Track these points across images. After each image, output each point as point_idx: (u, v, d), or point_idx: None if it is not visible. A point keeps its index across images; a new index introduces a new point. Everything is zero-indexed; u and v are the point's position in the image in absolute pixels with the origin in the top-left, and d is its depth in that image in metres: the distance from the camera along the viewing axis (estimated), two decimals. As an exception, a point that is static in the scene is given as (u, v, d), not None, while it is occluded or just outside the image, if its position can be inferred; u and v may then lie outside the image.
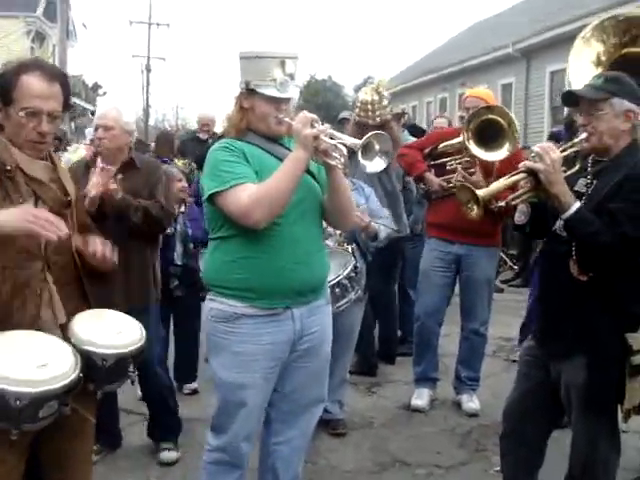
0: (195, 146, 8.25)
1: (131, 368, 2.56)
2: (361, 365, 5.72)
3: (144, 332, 2.61)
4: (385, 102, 5.06)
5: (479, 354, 5.21)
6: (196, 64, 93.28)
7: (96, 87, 31.37)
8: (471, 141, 4.69)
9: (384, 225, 4.52)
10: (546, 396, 3.12)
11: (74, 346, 2.39)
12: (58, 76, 2.49)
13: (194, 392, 5.30)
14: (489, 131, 4.70)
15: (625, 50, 4.08)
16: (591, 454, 3.02)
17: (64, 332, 2.46)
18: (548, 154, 2.86)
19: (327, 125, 2.91)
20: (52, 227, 2.24)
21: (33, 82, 2.41)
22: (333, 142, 2.79)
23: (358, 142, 2.78)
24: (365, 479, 4.09)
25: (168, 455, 4.21)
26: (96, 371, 2.43)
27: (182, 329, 5.25)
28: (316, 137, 2.73)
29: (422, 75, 25.32)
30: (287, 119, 2.92)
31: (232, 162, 2.80)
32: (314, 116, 2.82)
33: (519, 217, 3.14)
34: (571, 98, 3.03)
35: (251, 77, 2.85)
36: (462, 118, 5.73)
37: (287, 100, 2.89)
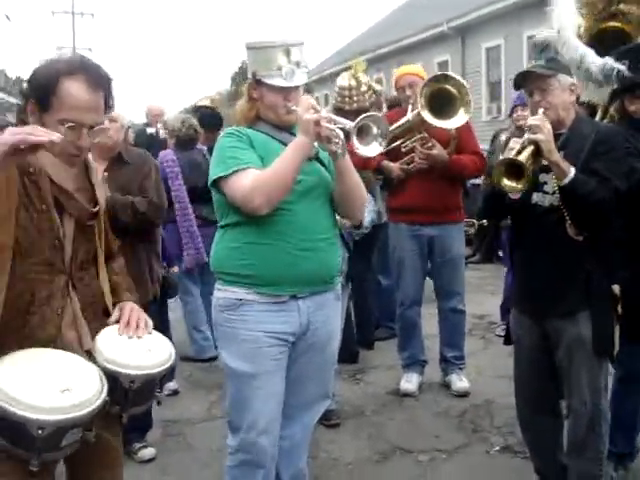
0: (148, 142, 8.00)
1: (158, 388, 2.40)
2: (342, 352, 5.60)
3: (173, 350, 2.42)
4: (364, 88, 4.93)
5: (461, 332, 5.22)
6: (124, 54, 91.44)
7: (19, 81, 30.50)
8: (427, 113, 4.61)
9: (367, 211, 4.40)
10: (550, 363, 3.24)
11: (98, 366, 2.19)
12: (104, 83, 2.21)
13: (175, 393, 5.14)
14: (440, 101, 4.64)
15: (604, 24, 4.06)
16: (597, 407, 3.14)
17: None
18: (545, 125, 2.98)
19: (327, 109, 2.86)
20: (39, 131, 1.93)
21: (77, 90, 2.12)
22: (333, 127, 2.72)
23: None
24: (370, 469, 4.01)
25: (146, 452, 4.15)
26: (122, 393, 2.24)
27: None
28: (317, 123, 2.68)
29: (356, 56, 25.22)
30: (296, 107, 2.87)
31: (237, 148, 2.79)
32: (313, 101, 2.81)
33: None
34: (522, 78, 3.17)
35: (257, 67, 2.85)
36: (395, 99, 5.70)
37: (295, 88, 2.86)
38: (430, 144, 4.74)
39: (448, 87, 4.62)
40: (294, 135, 2.82)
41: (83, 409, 2.02)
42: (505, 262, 6.79)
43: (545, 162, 3.02)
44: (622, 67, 3.56)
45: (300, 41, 2.90)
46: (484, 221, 6.25)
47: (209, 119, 6.30)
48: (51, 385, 2.02)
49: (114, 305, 2.41)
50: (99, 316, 2.36)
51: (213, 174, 2.80)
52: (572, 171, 2.97)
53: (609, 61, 3.65)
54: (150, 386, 2.33)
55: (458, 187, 5.07)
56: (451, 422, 4.59)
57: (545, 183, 3.13)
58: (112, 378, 2.19)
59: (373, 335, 6.14)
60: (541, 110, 3.09)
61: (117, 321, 2.37)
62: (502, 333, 6.27)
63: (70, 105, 2.12)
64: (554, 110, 3.10)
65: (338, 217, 3.09)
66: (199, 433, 4.50)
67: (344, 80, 4.96)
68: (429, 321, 5.50)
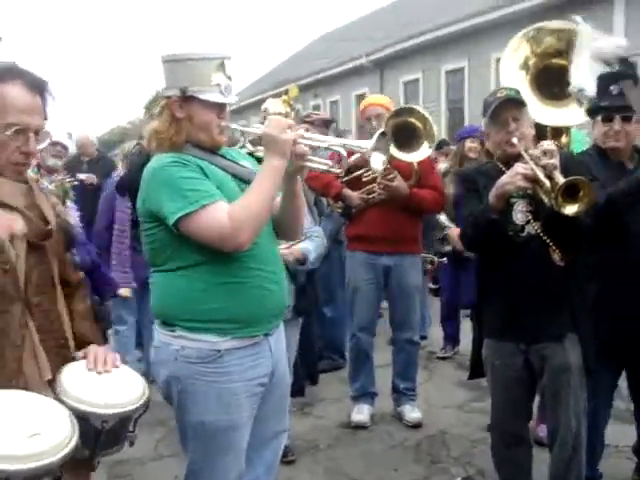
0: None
1: (131, 427, 2.21)
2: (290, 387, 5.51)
3: (146, 385, 2.26)
4: (292, 115, 4.90)
5: (415, 363, 5.21)
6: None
7: None
8: (391, 145, 4.62)
9: (315, 245, 4.11)
10: (529, 392, 3.33)
11: (66, 406, 2.00)
12: (39, 85, 2.13)
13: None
14: (404, 133, 4.69)
15: (553, 60, 4.17)
16: (580, 432, 3.20)
17: (53, 389, 2.09)
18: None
19: (303, 126, 2.78)
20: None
21: (18, 93, 2.05)
22: (316, 144, 2.64)
23: (339, 141, 2.72)
24: (334, 506, 3.91)
25: None
26: (93, 435, 2.05)
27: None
28: (294, 142, 2.54)
29: (275, 87, 25.28)
30: (235, 125, 2.78)
31: (194, 179, 2.48)
32: (290, 121, 2.63)
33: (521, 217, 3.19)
34: (502, 104, 3.18)
35: (189, 82, 2.55)
36: (362, 127, 5.69)
37: (226, 106, 2.65)
38: (392, 175, 4.73)
39: (413, 120, 4.65)
40: (226, 158, 2.67)
41: (52, 456, 1.81)
42: (443, 293, 6.81)
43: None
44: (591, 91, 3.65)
45: (230, 55, 2.66)
46: (444, 259, 6.29)
47: None
48: (18, 430, 1.83)
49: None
50: (59, 344, 2.20)
51: (173, 211, 2.43)
52: None
53: (583, 84, 3.74)
54: (123, 426, 2.17)
55: (416, 219, 5.08)
56: (408, 454, 4.53)
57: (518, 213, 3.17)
58: (82, 419, 2.00)
59: (317, 368, 6.02)
60: (515, 139, 3.12)
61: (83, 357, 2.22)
62: (443, 354, 6.57)
63: (13, 108, 2.04)
64: (526, 140, 3.15)
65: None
66: (148, 474, 4.30)
67: (277, 106, 4.92)
68: (378, 352, 5.42)
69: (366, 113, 5.04)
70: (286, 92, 4.78)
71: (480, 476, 4.17)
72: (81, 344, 2.29)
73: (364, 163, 4.78)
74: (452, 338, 6.66)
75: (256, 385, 2.62)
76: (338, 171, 2.76)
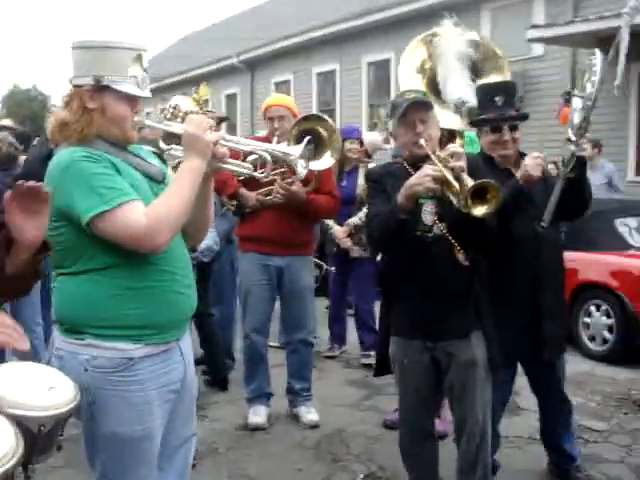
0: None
1: (61, 431, 2.09)
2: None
3: (76, 385, 2.16)
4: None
5: (309, 364, 5.23)
6: None
7: None
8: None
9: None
10: (437, 388, 3.41)
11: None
12: None
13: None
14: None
15: None
16: (486, 424, 3.32)
17: None
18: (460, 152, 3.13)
19: (222, 129, 2.73)
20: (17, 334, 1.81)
21: None
22: (239, 147, 2.62)
23: (263, 145, 2.69)
24: (241, 509, 3.87)
25: None
26: (30, 441, 1.91)
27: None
28: (216, 143, 2.48)
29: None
30: (152, 123, 2.70)
31: (107, 175, 2.34)
32: (211, 121, 2.55)
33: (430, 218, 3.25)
34: (410, 106, 3.21)
35: (104, 72, 2.40)
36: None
37: (141, 100, 2.52)
38: (290, 180, 4.71)
39: (319, 129, 4.64)
40: (136, 155, 2.55)
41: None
42: (333, 295, 6.87)
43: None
44: (473, 103, 3.79)
45: (147, 46, 2.54)
46: (332, 268, 6.36)
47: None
48: None
49: None
50: None
51: (86, 210, 2.28)
52: None
53: (464, 96, 3.87)
54: (57, 429, 2.06)
55: (310, 223, 5.11)
56: (308, 453, 4.55)
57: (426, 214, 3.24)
58: (18, 425, 1.86)
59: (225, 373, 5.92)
60: (422, 140, 3.17)
61: None
62: (330, 353, 6.66)
63: None
64: (432, 143, 3.22)
65: None
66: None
67: (189, 104, 4.83)
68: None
69: (268, 113, 4.96)
70: (196, 91, 4.69)
71: (382, 472, 4.25)
72: None
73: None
74: (339, 337, 6.74)
75: (169, 392, 2.52)
76: (261, 175, 2.72)
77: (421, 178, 3.05)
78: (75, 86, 2.45)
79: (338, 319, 6.76)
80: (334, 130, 4.87)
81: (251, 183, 4.80)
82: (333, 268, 6.39)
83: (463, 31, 4.17)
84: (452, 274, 3.21)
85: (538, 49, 11.65)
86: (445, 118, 3.95)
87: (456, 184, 3.00)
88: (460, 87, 3.99)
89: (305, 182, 4.75)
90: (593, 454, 4.40)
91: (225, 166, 2.60)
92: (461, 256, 3.21)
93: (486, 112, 3.72)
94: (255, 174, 2.72)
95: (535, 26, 10.60)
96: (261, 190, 4.84)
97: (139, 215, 2.31)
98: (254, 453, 4.54)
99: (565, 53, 11.23)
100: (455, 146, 3.21)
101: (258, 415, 4.97)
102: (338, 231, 6.38)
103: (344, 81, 16.60)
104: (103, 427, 2.42)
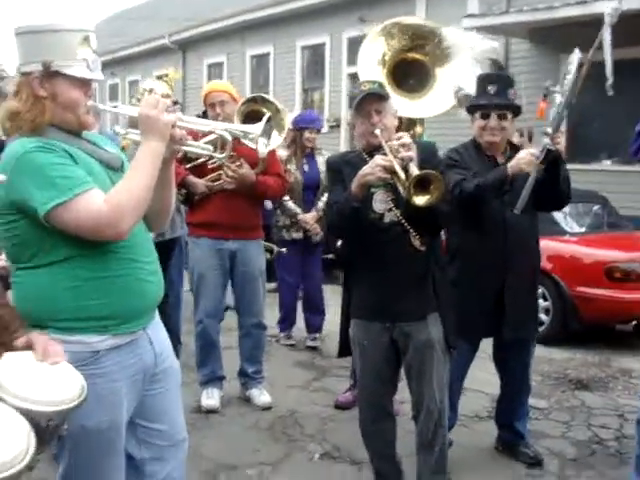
0: None
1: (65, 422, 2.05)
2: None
3: (83, 379, 2.12)
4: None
5: (261, 347, 5.29)
6: None
7: None
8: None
9: None
10: (395, 368, 3.53)
11: (7, 405, 1.83)
12: None
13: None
14: (254, 122, 4.75)
15: (408, 54, 4.41)
16: (443, 402, 3.43)
17: None
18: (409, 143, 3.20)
19: (177, 108, 2.69)
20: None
21: None
22: (198, 127, 2.60)
23: (222, 125, 2.69)
24: (202, 491, 3.92)
25: None
26: (38, 434, 1.86)
27: None
28: (174, 125, 2.43)
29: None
30: (105, 107, 2.65)
31: (64, 165, 2.28)
32: (167, 101, 2.48)
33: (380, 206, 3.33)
34: (364, 98, 3.31)
35: (52, 56, 2.31)
36: (204, 114, 5.70)
37: (92, 83, 2.46)
38: (239, 163, 4.75)
39: (264, 110, 4.69)
40: (90, 142, 2.49)
41: (11, 468, 1.65)
42: (285, 277, 6.91)
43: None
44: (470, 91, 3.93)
45: (94, 27, 2.47)
46: (283, 249, 6.40)
47: None
48: None
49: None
50: None
51: (44, 201, 2.21)
52: None
53: (462, 84, 4.02)
54: (63, 422, 2.04)
55: (259, 206, 5.17)
56: (264, 435, 4.63)
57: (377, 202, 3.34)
58: (27, 419, 1.85)
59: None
60: (377, 130, 3.27)
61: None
62: (287, 342, 6.67)
63: None
64: (388, 132, 3.30)
65: None
66: None
67: (163, 88, 4.81)
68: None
69: (209, 99, 4.97)
70: (166, 75, 4.67)
71: (336, 451, 4.36)
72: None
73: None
74: (290, 322, 6.82)
75: (136, 381, 2.49)
76: (221, 156, 2.73)
77: (372, 168, 3.15)
78: (23, 74, 2.36)
79: (291, 303, 6.84)
80: (278, 110, 4.94)
81: (198, 169, 4.83)
82: (284, 249, 6.44)
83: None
84: (408, 258, 3.32)
85: (450, 29, 11.88)
86: (403, 107, 4.06)
87: (403, 174, 3.10)
88: (465, 78, 4.11)
89: (252, 164, 4.83)
90: (536, 430, 4.60)
91: (184, 148, 2.57)
92: (417, 242, 3.31)
93: (478, 99, 3.90)
94: (215, 155, 2.72)
95: (470, 15, 10.82)
96: (209, 176, 4.86)
97: (99, 203, 2.26)
98: (210, 435, 4.59)
99: (498, 42, 11.49)
100: (404, 135, 3.27)
101: (212, 398, 5.01)
102: (307, 217, 6.46)
103: (278, 64, 16.58)
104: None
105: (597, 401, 5.27)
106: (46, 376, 2.02)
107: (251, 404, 5.08)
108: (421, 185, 3.03)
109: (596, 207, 7.54)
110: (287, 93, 15.97)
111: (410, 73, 4.38)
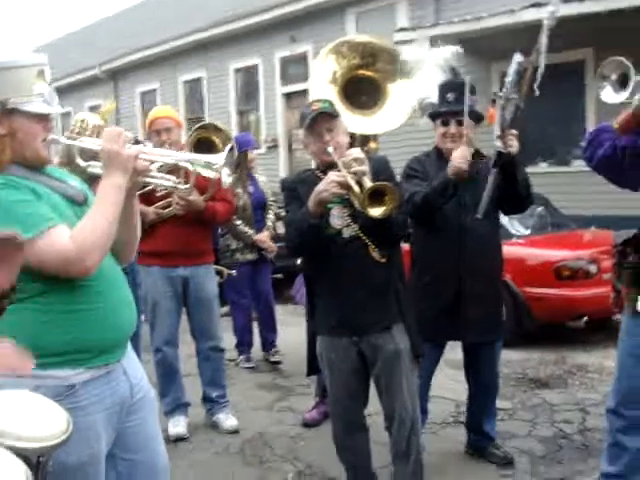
0: None
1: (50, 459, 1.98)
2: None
3: (64, 410, 2.06)
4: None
5: (222, 370, 5.25)
6: None
7: None
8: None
9: None
10: (365, 380, 3.52)
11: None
12: None
13: None
14: (204, 149, 4.76)
15: (359, 72, 4.47)
16: (415, 410, 3.45)
17: None
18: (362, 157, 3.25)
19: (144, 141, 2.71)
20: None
21: None
22: (160, 159, 2.58)
23: (185, 156, 2.75)
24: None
25: None
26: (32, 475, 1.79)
27: None
28: (136, 157, 2.43)
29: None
30: (67, 140, 2.67)
31: (28, 202, 2.27)
32: (128, 133, 2.50)
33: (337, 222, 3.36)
34: (315, 118, 3.35)
35: (8, 94, 2.32)
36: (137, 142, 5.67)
37: (50, 117, 2.46)
38: (187, 189, 4.72)
39: (213, 137, 4.70)
40: (52, 177, 2.47)
41: None
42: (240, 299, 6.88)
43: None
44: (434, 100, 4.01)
45: (46, 60, 2.45)
46: (233, 271, 6.40)
47: None
48: None
49: None
50: None
51: None
52: None
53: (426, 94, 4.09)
54: (50, 458, 2.01)
55: (208, 231, 5.17)
56: (236, 459, 4.58)
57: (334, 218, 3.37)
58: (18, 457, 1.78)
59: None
60: (330, 148, 3.31)
61: None
62: (246, 365, 6.62)
63: None
64: (340, 150, 3.33)
65: None
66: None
67: (94, 119, 4.77)
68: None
69: (155, 126, 4.94)
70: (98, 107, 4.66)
71: (309, 469, 4.34)
72: None
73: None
74: (248, 344, 6.79)
75: (112, 413, 2.47)
76: (185, 187, 2.73)
77: (327, 184, 3.19)
78: None
79: (247, 325, 6.84)
80: (229, 138, 4.97)
81: (145, 197, 4.78)
82: (234, 272, 6.44)
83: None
84: (369, 271, 3.34)
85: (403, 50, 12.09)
86: (356, 124, 4.12)
87: (357, 188, 3.15)
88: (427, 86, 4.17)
89: (201, 190, 4.81)
90: (503, 431, 4.66)
91: (148, 179, 2.57)
92: (376, 254, 3.34)
93: (439, 107, 4.00)
94: (179, 186, 2.71)
95: (401, 29, 11.00)
96: (159, 203, 4.83)
97: (64, 239, 2.26)
98: (182, 464, 4.51)
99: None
100: (357, 151, 3.30)
101: (178, 426, 4.95)
102: (262, 237, 6.50)
103: (212, 88, 16.57)
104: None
105: (558, 398, 5.38)
106: (30, 411, 1.97)
107: (218, 429, 5.03)
108: (376, 197, 3.07)
109: (539, 209, 7.71)
110: (222, 116, 15.96)
111: (361, 90, 4.44)
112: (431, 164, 3.94)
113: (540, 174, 10.32)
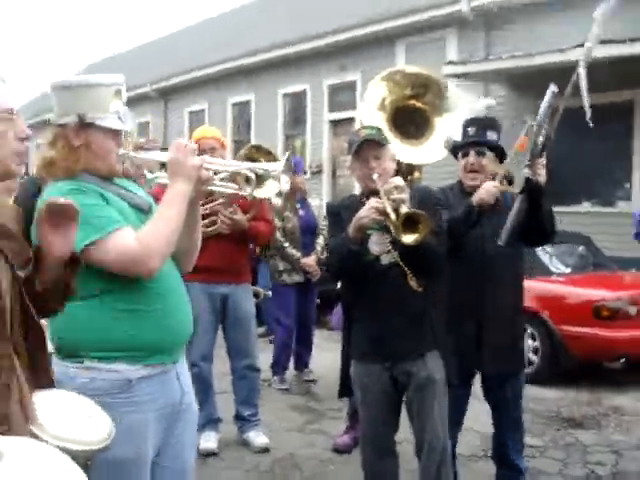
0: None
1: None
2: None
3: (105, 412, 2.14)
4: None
5: (256, 389, 5.31)
6: None
7: None
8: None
9: None
10: (397, 406, 3.54)
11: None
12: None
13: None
14: None
15: (410, 102, 4.55)
16: (446, 438, 3.46)
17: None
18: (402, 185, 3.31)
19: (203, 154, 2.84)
20: None
21: None
22: (221, 168, 2.72)
23: (245, 164, 2.83)
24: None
25: None
26: None
27: None
28: (200, 167, 2.58)
29: (45, 112, 24.20)
30: (136, 154, 2.81)
31: (98, 205, 2.45)
32: (194, 145, 2.65)
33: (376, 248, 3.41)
34: (361, 145, 3.42)
35: (87, 109, 2.50)
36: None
37: (122, 133, 2.63)
38: (232, 209, 4.85)
39: (261, 159, 4.81)
40: (120, 187, 2.63)
41: None
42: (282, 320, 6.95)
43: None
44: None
45: (123, 81, 2.65)
46: (269, 292, 6.52)
47: None
48: None
49: None
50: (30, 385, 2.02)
51: (78, 239, 2.22)
52: None
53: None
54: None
55: (247, 250, 5.30)
56: (264, 477, 4.64)
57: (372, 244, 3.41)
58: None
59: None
60: (375, 175, 3.36)
61: None
62: (280, 386, 6.67)
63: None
64: (385, 176, 3.39)
65: None
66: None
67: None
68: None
69: (200, 146, 5.06)
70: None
71: (337, 493, 4.37)
72: None
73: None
74: (283, 365, 6.85)
75: (162, 415, 2.57)
76: (246, 194, 2.82)
77: (367, 211, 3.26)
78: (59, 125, 2.54)
79: (288, 346, 6.92)
80: (275, 159, 5.08)
81: None
82: (270, 293, 6.56)
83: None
84: (406, 299, 3.37)
85: (451, 84, 12.16)
86: (405, 153, 4.19)
87: (394, 215, 3.21)
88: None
89: (245, 210, 4.95)
90: (532, 468, 4.63)
91: (211, 188, 2.71)
92: (414, 283, 3.37)
93: (460, 142, 4.06)
94: (240, 192, 2.83)
95: (450, 62, 11.06)
96: (204, 221, 4.94)
97: (130, 241, 2.41)
98: (208, 479, 4.57)
99: (477, 88, 11.74)
100: (399, 179, 3.37)
101: (209, 441, 5.00)
102: (309, 261, 6.61)
103: (259, 112, 16.76)
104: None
105: (591, 438, 5.32)
106: (78, 415, 2.04)
107: (249, 448, 5.07)
108: (410, 224, 3.14)
109: (581, 248, 7.68)
110: (269, 140, 16.11)
111: (410, 120, 4.52)
112: (454, 196, 3.95)
113: (583, 214, 10.27)
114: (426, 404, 3.43)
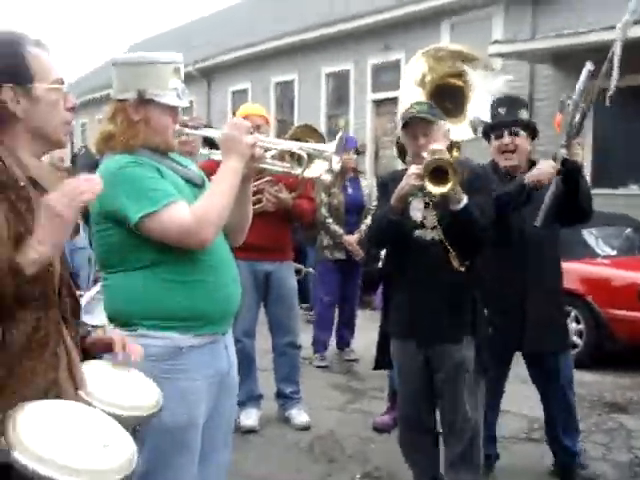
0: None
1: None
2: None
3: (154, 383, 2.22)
4: None
5: (297, 367, 5.35)
6: None
7: None
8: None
9: None
10: (432, 385, 3.53)
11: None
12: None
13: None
14: None
15: (450, 80, 4.50)
16: (477, 422, 3.47)
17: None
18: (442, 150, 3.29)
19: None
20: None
21: (38, 52, 1.95)
22: (273, 147, 2.78)
23: (297, 144, 2.87)
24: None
25: None
26: None
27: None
28: (254, 145, 2.64)
29: (93, 91, 24.45)
30: (191, 131, 2.91)
31: (155, 178, 2.52)
32: (248, 123, 2.71)
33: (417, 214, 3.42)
34: (409, 121, 3.41)
35: (147, 86, 2.56)
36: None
37: (179, 110, 2.70)
38: (277, 187, 4.86)
39: (308, 139, 4.82)
40: (175, 161, 2.70)
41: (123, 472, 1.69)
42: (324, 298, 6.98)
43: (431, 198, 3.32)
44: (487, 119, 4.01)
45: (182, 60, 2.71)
46: (311, 269, 6.55)
47: None
48: (91, 443, 1.71)
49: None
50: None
51: (136, 211, 2.43)
52: (465, 198, 3.25)
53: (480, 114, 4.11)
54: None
55: (289, 227, 5.32)
56: (304, 455, 4.66)
57: (425, 218, 3.40)
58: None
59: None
60: (425, 153, 3.31)
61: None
62: (320, 364, 6.70)
63: (48, 67, 1.96)
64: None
65: None
66: None
67: None
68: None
69: (251, 122, 5.11)
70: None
71: (378, 471, 4.38)
72: None
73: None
74: (324, 342, 6.88)
75: (212, 383, 2.65)
76: (298, 172, 2.86)
77: (407, 177, 3.28)
78: (119, 100, 2.61)
79: (328, 324, 6.94)
80: (323, 141, 5.06)
81: None
82: (311, 269, 6.58)
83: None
84: (447, 279, 3.36)
85: (497, 63, 11.97)
86: (458, 129, 4.16)
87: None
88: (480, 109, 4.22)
89: (291, 188, 4.96)
90: (576, 452, 4.58)
91: (263, 165, 2.77)
92: (456, 262, 3.36)
93: (492, 122, 4.00)
94: (291, 171, 2.88)
95: (496, 42, 10.90)
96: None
97: (185, 213, 2.47)
98: (251, 455, 4.62)
99: (523, 67, 11.57)
100: (435, 145, 3.32)
101: (250, 418, 5.05)
102: (351, 239, 6.61)
103: (303, 91, 16.73)
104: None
105: (635, 423, 5.25)
106: (127, 383, 2.11)
107: (289, 425, 5.12)
108: (438, 176, 3.15)
109: (627, 230, 7.55)
110: (311, 119, 16.06)
111: (448, 97, 4.46)
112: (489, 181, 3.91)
113: (630, 196, 10.09)
114: (457, 387, 3.42)
